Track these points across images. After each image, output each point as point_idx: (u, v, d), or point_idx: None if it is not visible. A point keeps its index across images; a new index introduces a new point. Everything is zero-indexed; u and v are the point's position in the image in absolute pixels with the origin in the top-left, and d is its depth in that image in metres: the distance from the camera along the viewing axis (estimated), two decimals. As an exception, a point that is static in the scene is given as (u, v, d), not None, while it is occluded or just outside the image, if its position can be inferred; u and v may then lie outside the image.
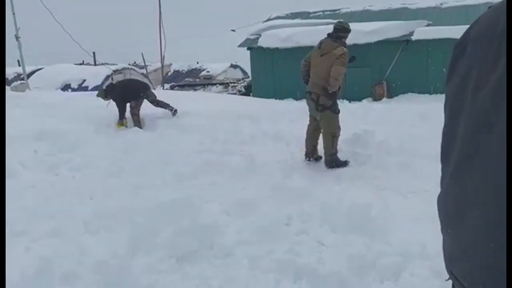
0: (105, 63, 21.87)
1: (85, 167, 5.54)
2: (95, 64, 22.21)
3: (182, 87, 20.67)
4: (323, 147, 5.25)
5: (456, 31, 11.67)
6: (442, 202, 1.17)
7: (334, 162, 5.14)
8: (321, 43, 5.13)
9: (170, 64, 27.22)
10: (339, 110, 5.19)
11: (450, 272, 1.14)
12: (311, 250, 3.12)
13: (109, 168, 5.44)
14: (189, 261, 3.05)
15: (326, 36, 5.15)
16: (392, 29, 13.94)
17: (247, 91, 18.48)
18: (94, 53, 21.31)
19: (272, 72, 15.64)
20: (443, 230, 1.15)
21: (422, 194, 4.00)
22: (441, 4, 16.46)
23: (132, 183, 4.78)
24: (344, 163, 5.18)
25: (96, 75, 18.10)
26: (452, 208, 1.11)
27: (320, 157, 5.44)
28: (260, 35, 16.18)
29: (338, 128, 5.18)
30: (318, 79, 5.06)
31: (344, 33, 5.12)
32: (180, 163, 5.45)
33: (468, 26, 1.15)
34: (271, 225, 3.47)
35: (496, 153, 0.96)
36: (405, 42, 13.88)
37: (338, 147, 5.28)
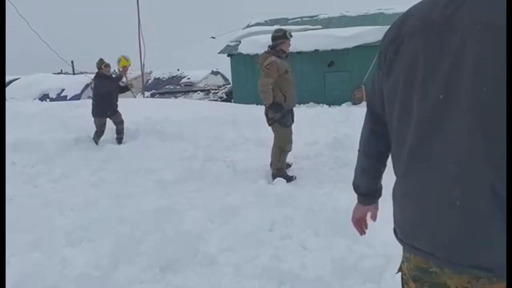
0: (84, 72, 21.59)
1: (65, 178, 5.46)
2: (73, 73, 21.91)
3: (163, 94, 20.59)
4: (271, 159, 5.09)
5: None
6: (404, 184, 1.25)
7: (281, 176, 4.89)
8: (258, 58, 5.14)
9: (151, 72, 27.05)
10: (290, 124, 5.03)
11: (412, 246, 1.23)
12: (295, 255, 3.13)
13: (89, 179, 5.38)
14: (173, 270, 3.03)
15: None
16: (369, 34, 14.17)
17: (229, 98, 18.51)
18: (72, 62, 21.03)
19: (252, 78, 15.70)
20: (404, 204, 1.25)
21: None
22: (416, 9, 16.82)
23: (114, 192, 4.74)
24: (290, 178, 4.97)
25: (75, 84, 17.85)
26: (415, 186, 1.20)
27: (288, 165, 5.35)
28: (240, 42, 16.27)
29: (288, 142, 5.00)
30: None
31: (277, 40, 4.94)
32: (163, 170, 5.43)
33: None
34: (254, 231, 3.48)
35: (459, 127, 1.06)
36: (382, 46, 14.13)
37: (287, 162, 5.17)
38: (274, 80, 4.75)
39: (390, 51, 1.22)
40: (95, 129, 7.22)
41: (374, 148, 1.46)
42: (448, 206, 1.11)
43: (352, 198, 4.33)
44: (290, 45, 5.05)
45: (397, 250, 3.11)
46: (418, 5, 1.22)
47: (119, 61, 7.53)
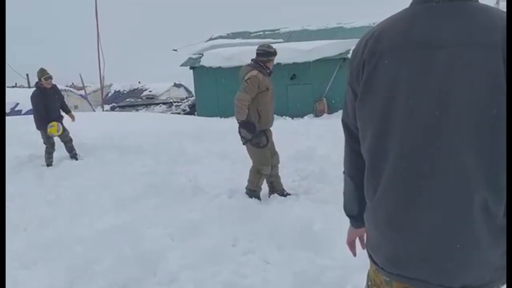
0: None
1: (18, 196, 5.21)
2: (29, 87, 21.14)
3: (123, 108, 20.20)
4: (248, 178, 4.81)
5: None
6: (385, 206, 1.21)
7: (253, 197, 4.71)
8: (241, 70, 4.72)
9: (111, 85, 26.54)
10: (263, 145, 4.64)
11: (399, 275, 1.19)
12: (257, 270, 3.10)
13: (44, 197, 5.16)
14: (132, 290, 2.93)
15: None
16: (329, 48, 14.52)
17: (192, 110, 18.40)
18: (27, 75, 20.32)
19: (216, 90, 15.70)
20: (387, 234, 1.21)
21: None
22: (374, 23, 17.39)
23: (70, 211, 4.56)
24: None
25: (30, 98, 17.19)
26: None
27: (284, 192, 4.98)
28: (203, 55, 16.25)
29: (264, 165, 4.66)
30: None
31: (264, 57, 4.61)
32: (121, 187, 5.27)
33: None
34: (216, 247, 3.43)
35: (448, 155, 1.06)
36: (342, 60, 14.49)
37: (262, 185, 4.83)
38: (253, 97, 4.45)
39: (367, 67, 1.20)
40: (45, 153, 6.81)
41: (359, 169, 1.37)
42: (440, 230, 1.11)
43: (314, 211, 4.34)
44: (273, 63, 4.74)
45: (357, 261, 3.15)
46: (389, 21, 1.22)
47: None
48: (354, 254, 1.60)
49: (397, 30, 1.18)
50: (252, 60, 4.69)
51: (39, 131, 6.78)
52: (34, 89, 6.99)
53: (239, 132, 4.66)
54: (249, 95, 4.40)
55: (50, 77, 6.80)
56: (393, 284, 1.23)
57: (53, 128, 6.58)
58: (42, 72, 6.77)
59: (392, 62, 1.15)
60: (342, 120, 1.42)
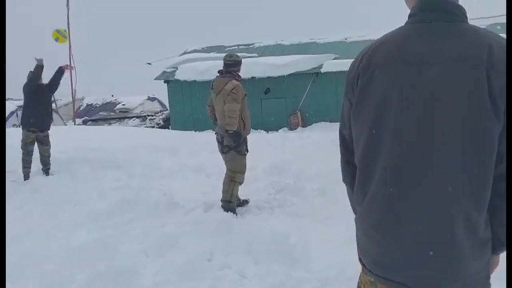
0: (9, 98, 20.32)
1: (-16, 213, 5.02)
2: (-4, 99, 20.49)
3: (96, 121, 19.85)
4: (222, 190, 4.81)
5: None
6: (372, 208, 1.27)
7: (229, 210, 4.68)
8: (213, 82, 4.79)
9: (83, 98, 26.03)
10: (245, 152, 4.82)
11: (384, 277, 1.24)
12: (234, 285, 3.09)
13: (13, 213, 4.99)
14: (105, 308, 2.86)
15: (217, 74, 4.82)
16: (303, 62, 14.73)
17: (166, 124, 18.24)
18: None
19: (190, 104, 15.66)
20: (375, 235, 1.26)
21: (338, 219, 4.18)
22: (346, 39, 17.81)
23: (41, 227, 4.43)
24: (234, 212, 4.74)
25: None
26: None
27: (245, 201, 5.10)
28: (177, 68, 16.21)
29: (241, 172, 4.76)
30: (220, 120, 4.76)
31: (234, 67, 4.74)
32: (94, 202, 5.17)
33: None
34: (192, 262, 3.40)
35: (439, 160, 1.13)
36: (315, 74, 14.72)
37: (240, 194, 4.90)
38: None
39: (362, 79, 1.27)
40: (21, 161, 6.67)
41: (354, 177, 1.42)
42: (423, 238, 1.17)
43: (289, 224, 4.36)
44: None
45: (334, 273, 3.18)
46: (384, 38, 1.30)
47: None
48: None
49: (391, 47, 1.25)
50: (220, 72, 4.80)
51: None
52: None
53: (220, 141, 4.75)
54: (238, 104, 4.53)
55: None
56: (377, 285, 1.28)
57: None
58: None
59: (385, 76, 1.22)
60: (340, 131, 1.48)
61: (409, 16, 1.28)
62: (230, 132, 4.55)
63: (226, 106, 4.53)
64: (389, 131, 1.21)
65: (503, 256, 1.26)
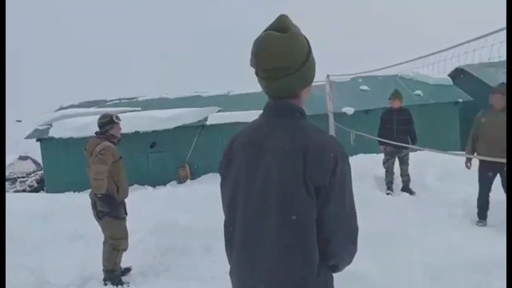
0: None
1: None
2: None
3: (-47, 188, 17.28)
4: (102, 259, 4.53)
5: (244, 115, 13.16)
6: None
7: (112, 280, 4.43)
8: (86, 142, 4.59)
9: None
10: (123, 216, 4.59)
11: None
12: None
13: None
14: None
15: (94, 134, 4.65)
16: (188, 115, 14.82)
17: (40, 186, 16.63)
18: None
19: (67, 163, 14.54)
20: None
21: (223, 278, 4.08)
22: (228, 92, 18.49)
23: None
24: (121, 284, 4.49)
25: None
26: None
27: (127, 269, 4.80)
28: (51, 125, 15.08)
29: (123, 238, 4.54)
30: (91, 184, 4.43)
31: (107, 125, 4.56)
32: None
33: (251, 111, 2.21)
34: None
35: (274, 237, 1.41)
36: (201, 126, 14.88)
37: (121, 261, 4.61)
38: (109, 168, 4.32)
39: (225, 160, 1.59)
40: None
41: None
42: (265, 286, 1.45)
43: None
44: (120, 129, 4.66)
45: None
46: (246, 126, 1.61)
47: None
48: None
49: (246, 133, 1.57)
50: (96, 133, 4.60)
51: None
52: None
53: (94, 206, 4.43)
54: (106, 165, 4.28)
55: None
56: None
57: None
58: None
59: (239, 158, 1.53)
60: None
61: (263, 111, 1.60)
62: (98, 196, 4.30)
63: (92, 168, 4.29)
64: (239, 202, 1.51)
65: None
